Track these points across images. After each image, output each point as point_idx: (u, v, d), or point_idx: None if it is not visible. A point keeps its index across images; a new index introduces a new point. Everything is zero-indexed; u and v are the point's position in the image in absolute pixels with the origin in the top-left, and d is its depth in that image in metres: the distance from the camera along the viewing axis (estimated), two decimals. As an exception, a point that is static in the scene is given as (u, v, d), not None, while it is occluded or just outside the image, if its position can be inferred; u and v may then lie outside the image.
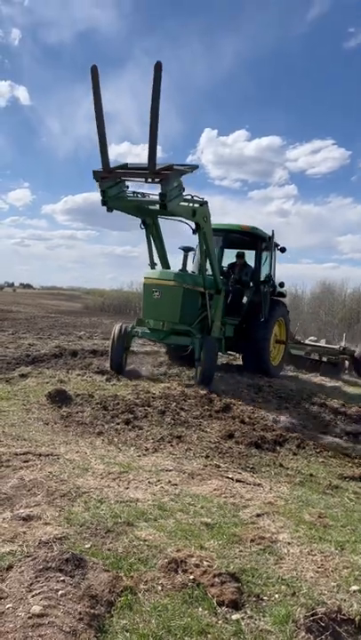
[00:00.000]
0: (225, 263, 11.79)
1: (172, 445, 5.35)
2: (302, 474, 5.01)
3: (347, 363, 14.48)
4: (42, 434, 5.28)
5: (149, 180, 7.40)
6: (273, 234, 11.03)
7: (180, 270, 9.49)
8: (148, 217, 9.11)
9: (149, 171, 7.18)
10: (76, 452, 4.77)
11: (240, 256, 11.41)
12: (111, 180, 7.63)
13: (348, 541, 3.51)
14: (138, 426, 5.85)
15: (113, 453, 4.92)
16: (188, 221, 8.89)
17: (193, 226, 9.14)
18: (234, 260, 11.60)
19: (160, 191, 7.23)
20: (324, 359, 13.98)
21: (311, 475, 4.98)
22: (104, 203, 7.76)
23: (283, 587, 2.80)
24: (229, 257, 11.89)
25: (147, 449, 5.17)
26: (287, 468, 5.10)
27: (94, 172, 7.52)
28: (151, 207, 8.54)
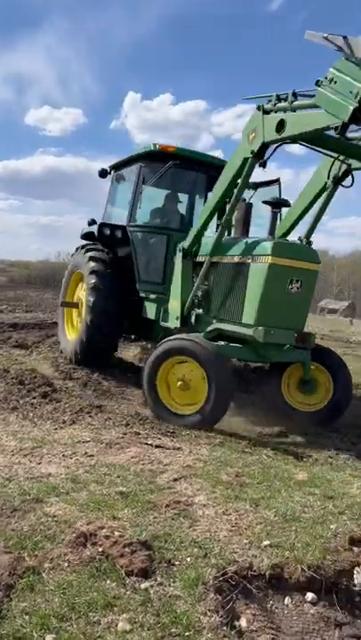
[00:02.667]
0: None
1: (90, 416, 5.19)
2: (223, 434, 5.03)
3: None
4: None
5: None
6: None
7: (283, 239, 6.05)
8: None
9: None
10: (-13, 430, 4.52)
11: None
12: None
13: (262, 498, 3.54)
14: (56, 399, 5.64)
15: (27, 429, 4.70)
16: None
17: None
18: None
19: None
20: None
21: (231, 435, 5.01)
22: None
23: (195, 549, 2.76)
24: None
25: (64, 421, 4.99)
26: (208, 430, 5.10)
27: None
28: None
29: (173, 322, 6.39)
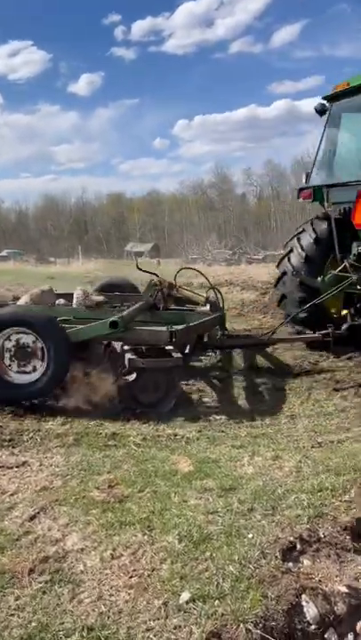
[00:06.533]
0: None
1: None
2: (74, 427, 4.05)
3: None
4: None
5: None
6: None
7: None
8: None
9: None
10: None
11: None
12: None
13: (153, 513, 2.73)
14: None
15: None
16: None
17: None
18: None
19: None
20: None
21: (86, 427, 4.06)
22: None
23: (93, 645, 1.86)
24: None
25: None
26: (57, 426, 4.07)
27: None
28: None
29: None
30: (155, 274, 6.07)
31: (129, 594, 2.13)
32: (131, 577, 2.24)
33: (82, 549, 2.45)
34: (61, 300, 5.90)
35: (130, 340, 4.76)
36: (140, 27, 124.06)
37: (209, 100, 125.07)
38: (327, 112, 6.61)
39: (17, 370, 4.42)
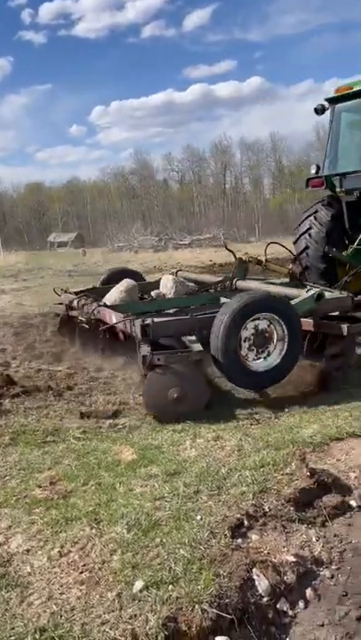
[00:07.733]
0: None
1: None
2: (9, 425, 3.91)
3: None
4: None
5: None
6: None
7: None
8: None
9: None
10: None
11: None
12: None
13: (99, 505, 2.69)
14: None
15: None
16: None
17: None
18: None
19: None
20: None
21: (22, 424, 3.92)
22: None
23: (47, 646, 1.80)
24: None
25: None
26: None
27: None
28: None
29: None
30: (233, 252, 6.59)
31: (80, 590, 2.08)
32: (81, 572, 2.19)
33: (27, 550, 2.37)
34: (158, 291, 6.02)
35: (322, 311, 4.80)
36: (47, 9, 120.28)
37: (124, 86, 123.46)
38: (329, 112, 7.20)
39: (254, 357, 4.30)
